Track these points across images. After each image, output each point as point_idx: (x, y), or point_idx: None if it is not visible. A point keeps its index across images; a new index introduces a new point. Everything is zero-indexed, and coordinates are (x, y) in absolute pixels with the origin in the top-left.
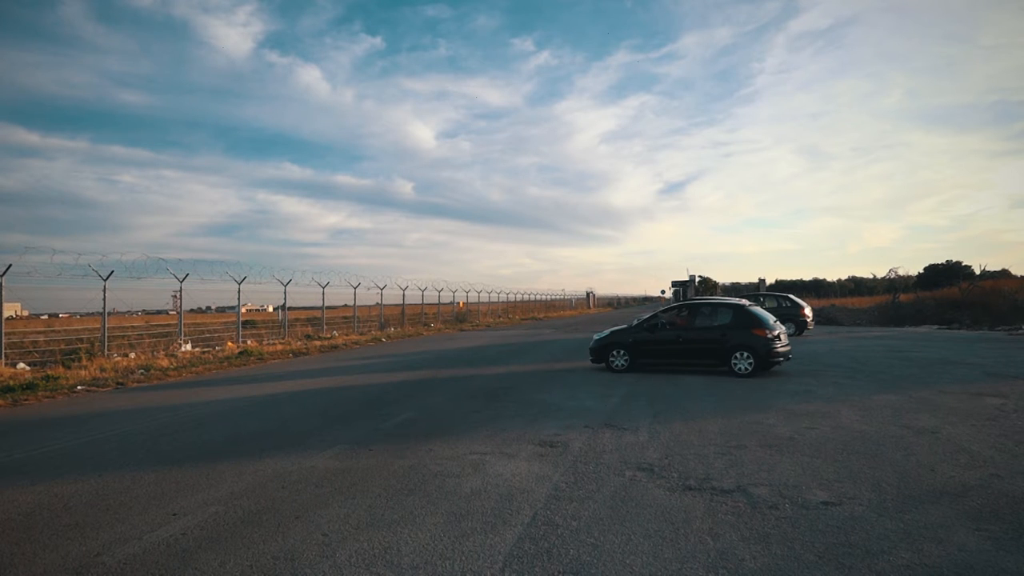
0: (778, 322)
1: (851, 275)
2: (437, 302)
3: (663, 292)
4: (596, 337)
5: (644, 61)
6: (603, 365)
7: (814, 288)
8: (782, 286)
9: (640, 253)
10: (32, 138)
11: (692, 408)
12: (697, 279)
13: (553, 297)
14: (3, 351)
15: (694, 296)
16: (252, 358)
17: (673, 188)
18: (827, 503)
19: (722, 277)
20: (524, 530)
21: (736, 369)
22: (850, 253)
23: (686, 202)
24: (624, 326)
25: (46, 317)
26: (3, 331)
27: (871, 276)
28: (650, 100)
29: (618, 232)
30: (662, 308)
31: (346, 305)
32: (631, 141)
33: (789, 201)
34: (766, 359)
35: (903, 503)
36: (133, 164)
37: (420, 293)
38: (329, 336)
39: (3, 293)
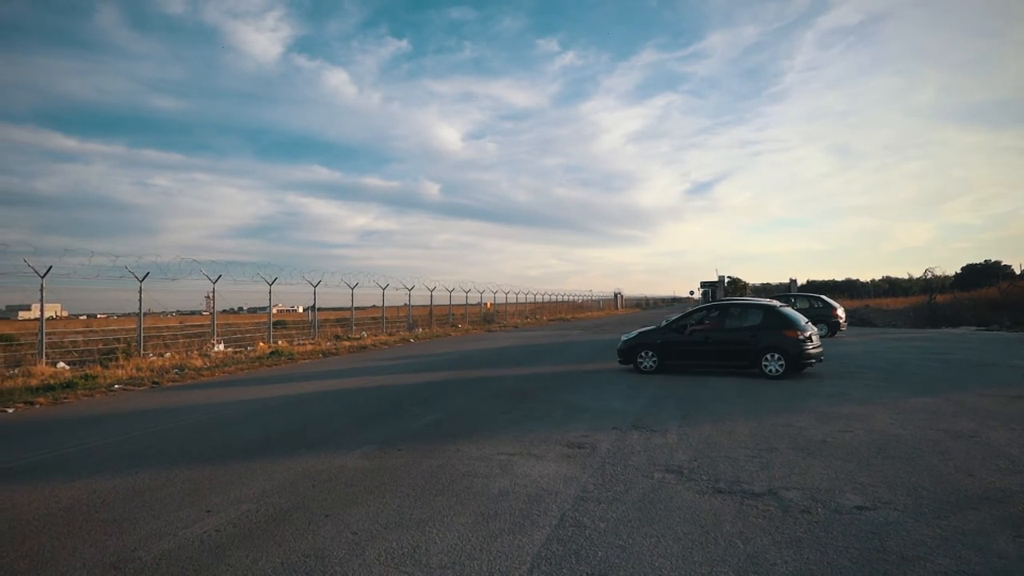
0: (810, 323)
1: (885, 275)
2: (464, 303)
3: (692, 293)
4: (624, 338)
5: (670, 60)
6: (631, 366)
7: (847, 289)
8: (814, 287)
9: (668, 254)
10: (70, 143)
11: (721, 410)
12: (726, 280)
13: (581, 298)
14: (44, 350)
15: (723, 297)
16: (283, 358)
17: (701, 188)
18: (861, 507)
19: (752, 278)
20: (552, 531)
21: (766, 371)
22: (883, 253)
23: (714, 202)
24: (652, 327)
25: (84, 317)
26: (44, 331)
27: (906, 276)
28: (676, 99)
29: (645, 233)
30: (691, 309)
31: (374, 306)
32: (658, 141)
33: (819, 200)
34: (797, 361)
35: (940, 508)
36: (167, 168)
37: (448, 294)
38: (358, 337)
39: (44, 294)
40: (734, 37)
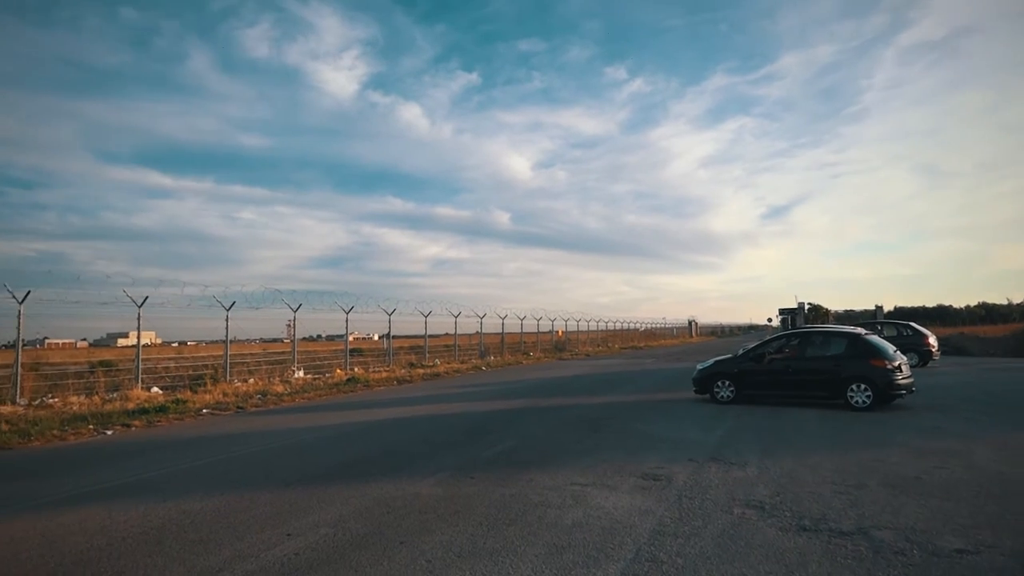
0: (898, 352)
1: (981, 301)
2: (536, 331)
3: (770, 320)
4: (699, 367)
5: (741, 83)
6: (707, 396)
7: (939, 315)
8: (902, 313)
9: (743, 280)
10: (165, 181)
11: (804, 443)
12: (807, 306)
13: (653, 326)
14: (140, 376)
15: (803, 324)
16: (359, 385)
17: (777, 212)
18: (962, 551)
19: (834, 304)
20: (627, 566)
21: (852, 402)
22: (978, 277)
23: (791, 226)
24: (729, 356)
25: (176, 344)
26: (140, 357)
27: (1005, 302)
28: (749, 123)
29: (720, 259)
30: (770, 337)
31: (447, 334)
32: (730, 165)
33: (906, 223)
34: (886, 392)
35: None
36: (252, 202)
37: (519, 322)
38: (432, 364)
39: (140, 322)
40: (808, 57)
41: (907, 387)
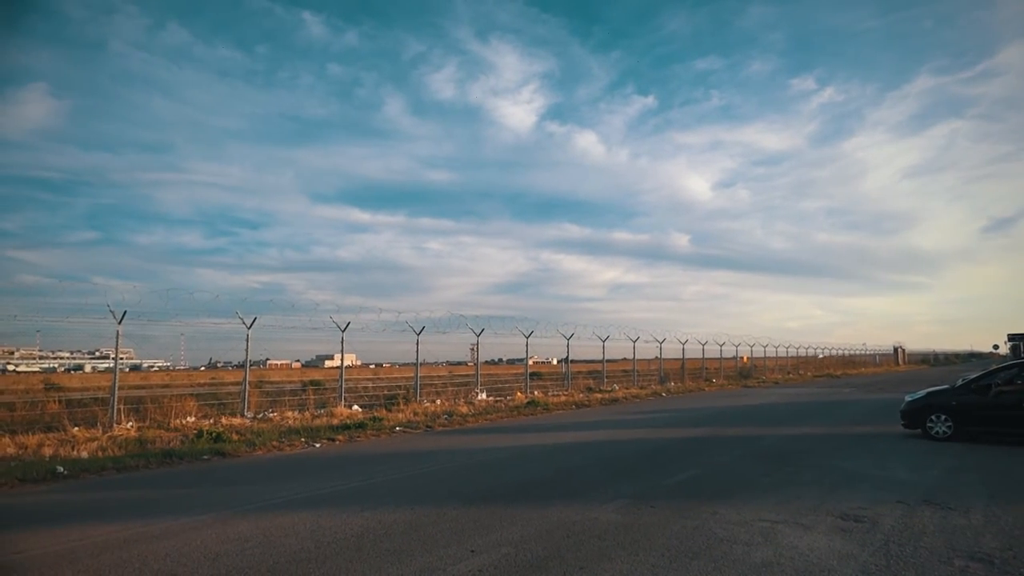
0: None
1: None
2: (719, 356)
3: (996, 347)
4: (908, 399)
5: (952, 84)
6: (918, 431)
7: None
8: None
9: (958, 302)
10: (364, 216)
11: None
12: None
13: (852, 352)
14: (343, 395)
15: None
16: (538, 408)
17: (1000, 224)
18: None
19: None
20: None
21: None
22: None
23: (1019, 240)
24: (945, 387)
25: (373, 366)
26: (343, 377)
27: None
28: (963, 126)
29: (929, 278)
30: (996, 366)
31: (625, 359)
32: (941, 174)
33: None
34: None
35: None
36: (439, 233)
37: (700, 347)
38: (609, 389)
39: (344, 346)
40: None
41: None
